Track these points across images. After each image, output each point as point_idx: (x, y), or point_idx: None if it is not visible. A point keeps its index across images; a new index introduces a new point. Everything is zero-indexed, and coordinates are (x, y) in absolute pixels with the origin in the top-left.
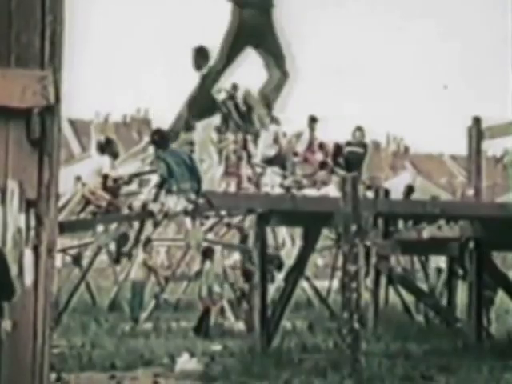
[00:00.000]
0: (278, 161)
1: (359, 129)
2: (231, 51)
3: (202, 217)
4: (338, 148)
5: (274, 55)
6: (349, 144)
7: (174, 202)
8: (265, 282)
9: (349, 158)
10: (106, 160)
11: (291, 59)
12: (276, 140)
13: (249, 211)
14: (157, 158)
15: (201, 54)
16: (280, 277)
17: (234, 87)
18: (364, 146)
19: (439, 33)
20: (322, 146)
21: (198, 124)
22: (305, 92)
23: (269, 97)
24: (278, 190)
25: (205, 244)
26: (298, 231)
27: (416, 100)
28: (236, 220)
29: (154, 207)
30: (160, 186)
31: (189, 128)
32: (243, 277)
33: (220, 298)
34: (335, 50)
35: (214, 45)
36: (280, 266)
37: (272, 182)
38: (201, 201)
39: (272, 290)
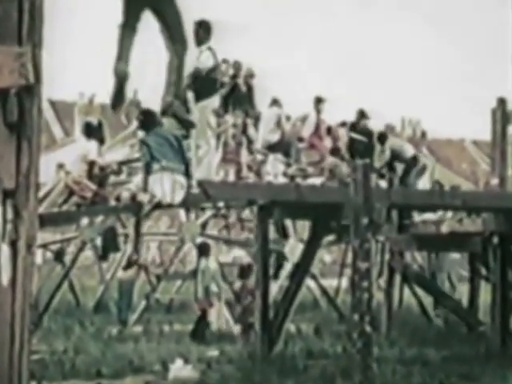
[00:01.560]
0: (281, 147)
1: (362, 113)
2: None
3: (198, 209)
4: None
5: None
6: (353, 128)
7: (162, 191)
8: (267, 280)
9: (354, 146)
10: (92, 145)
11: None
12: (279, 124)
13: (249, 203)
14: (140, 142)
15: (203, 28)
16: (284, 274)
17: (237, 66)
18: (369, 134)
19: (461, 9)
20: (330, 131)
21: (193, 106)
22: (312, 72)
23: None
24: (282, 180)
25: (201, 239)
26: (303, 224)
27: (434, 80)
28: (235, 212)
29: (143, 198)
30: (146, 173)
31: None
32: (239, 273)
33: (218, 299)
34: (347, 30)
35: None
36: (282, 263)
37: (275, 171)
38: (195, 190)
39: (275, 288)
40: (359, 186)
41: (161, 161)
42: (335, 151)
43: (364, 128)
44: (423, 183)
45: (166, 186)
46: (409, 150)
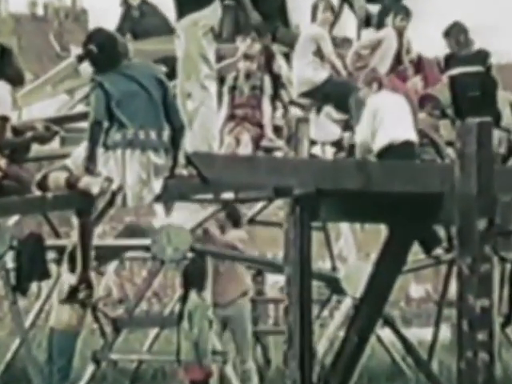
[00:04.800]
0: (333, 95)
1: (461, 29)
2: None
3: (188, 202)
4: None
5: None
6: (454, 60)
7: (124, 180)
8: (307, 326)
9: (461, 88)
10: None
11: None
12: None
13: (277, 193)
14: (91, 86)
15: None
16: (338, 319)
17: None
18: (483, 60)
19: None
20: (420, 65)
21: (177, 25)
22: None
23: None
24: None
25: (191, 257)
26: (372, 231)
27: None
28: (251, 209)
29: (90, 185)
30: (96, 142)
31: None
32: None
33: (222, 361)
34: None
35: None
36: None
37: (322, 137)
38: (183, 172)
39: (322, 343)
40: (471, 164)
41: (126, 126)
42: (429, 102)
43: (472, 53)
44: None
45: (133, 172)
46: None
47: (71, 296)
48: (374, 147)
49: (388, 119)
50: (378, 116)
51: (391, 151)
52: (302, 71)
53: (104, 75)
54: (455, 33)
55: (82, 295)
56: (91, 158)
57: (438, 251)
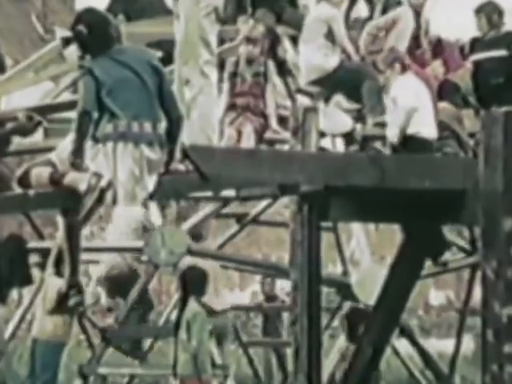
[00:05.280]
0: (344, 82)
1: (495, 8)
2: None
3: (185, 201)
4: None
5: None
6: (480, 44)
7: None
8: (316, 336)
9: (484, 75)
10: None
11: None
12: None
13: (283, 190)
14: (79, 72)
15: None
16: None
17: None
18: (509, 44)
19: None
20: (439, 48)
21: (176, 4)
22: None
23: None
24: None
25: (188, 260)
26: (385, 234)
27: None
28: (254, 207)
29: (76, 181)
30: (79, 129)
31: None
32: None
33: (222, 376)
34: None
35: None
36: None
37: (332, 128)
38: (179, 167)
39: (332, 356)
40: (497, 158)
41: (117, 116)
42: (450, 90)
43: (504, 46)
44: None
45: (125, 167)
46: None
47: (61, 303)
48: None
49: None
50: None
51: (411, 144)
52: (311, 56)
53: (94, 60)
54: (488, 11)
55: (72, 302)
56: (78, 151)
57: (458, 254)
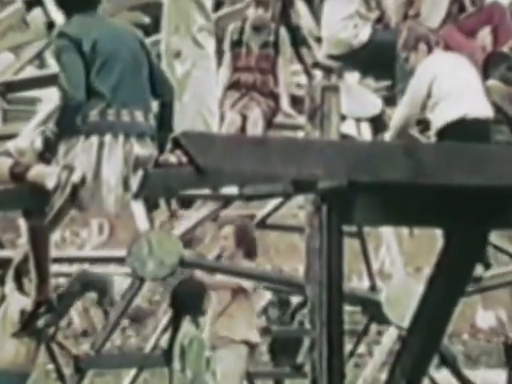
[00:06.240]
0: (375, 61)
1: None
2: None
3: (176, 200)
4: None
5: None
6: None
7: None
8: (338, 365)
9: None
10: None
11: None
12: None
13: (296, 186)
14: (57, 44)
15: None
16: (378, 358)
17: None
18: None
19: None
20: (488, 14)
21: None
22: None
23: None
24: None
25: (181, 273)
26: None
27: None
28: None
29: (44, 175)
30: (60, 123)
31: None
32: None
33: None
34: None
35: None
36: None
37: (358, 111)
38: (171, 159)
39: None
40: None
41: (107, 102)
42: (499, 64)
43: None
44: None
45: (112, 164)
46: None
47: (25, 325)
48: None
49: (452, 88)
50: (436, 85)
51: (458, 131)
52: (337, 27)
53: (78, 27)
54: None
55: (42, 322)
56: (53, 146)
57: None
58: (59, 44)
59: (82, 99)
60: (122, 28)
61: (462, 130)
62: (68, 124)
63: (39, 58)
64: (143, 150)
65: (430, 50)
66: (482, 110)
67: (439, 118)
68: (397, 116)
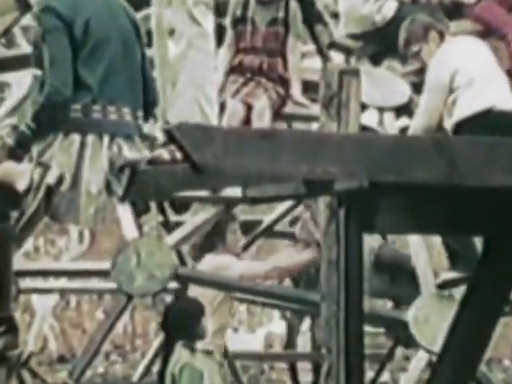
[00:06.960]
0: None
1: None
2: None
3: (169, 203)
4: None
5: None
6: None
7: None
8: None
9: None
10: None
11: None
12: None
13: (309, 187)
14: (43, 20)
15: None
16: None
17: None
18: None
19: None
20: None
21: None
22: None
23: None
24: (403, 123)
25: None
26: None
27: None
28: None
29: (13, 173)
30: (37, 118)
31: None
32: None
33: None
34: None
35: None
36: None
37: (382, 100)
38: (164, 155)
39: None
40: None
41: (93, 96)
42: None
43: None
44: None
45: (95, 167)
46: None
47: None
48: (451, 121)
49: (475, 77)
50: (458, 78)
51: (481, 124)
52: (355, 0)
53: (69, 1)
54: None
55: (1, 345)
56: (27, 142)
57: None
58: (45, 22)
59: (69, 95)
60: (118, 3)
61: (486, 124)
62: (47, 119)
63: (6, 35)
64: (132, 152)
65: (442, 37)
66: (509, 100)
67: (459, 111)
68: (413, 127)
